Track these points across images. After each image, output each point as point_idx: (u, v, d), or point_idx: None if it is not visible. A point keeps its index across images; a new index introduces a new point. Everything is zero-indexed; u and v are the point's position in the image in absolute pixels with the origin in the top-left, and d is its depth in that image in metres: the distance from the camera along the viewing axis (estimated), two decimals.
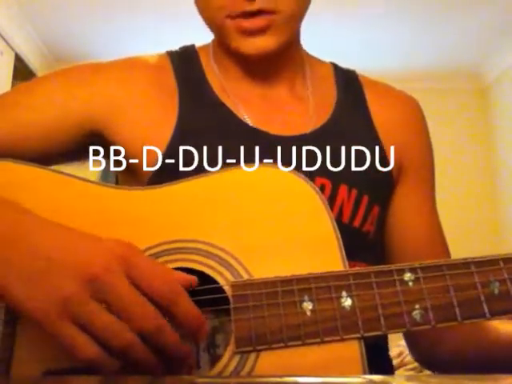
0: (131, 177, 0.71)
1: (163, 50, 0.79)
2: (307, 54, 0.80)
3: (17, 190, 0.55)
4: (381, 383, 0.43)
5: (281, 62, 0.74)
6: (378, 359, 0.65)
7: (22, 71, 3.54)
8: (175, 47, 0.79)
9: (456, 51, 3.63)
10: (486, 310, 0.48)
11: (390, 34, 3.44)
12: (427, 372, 0.79)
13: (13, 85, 3.38)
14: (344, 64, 0.83)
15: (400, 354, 2.61)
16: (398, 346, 2.57)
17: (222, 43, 0.74)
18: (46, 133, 0.68)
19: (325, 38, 3.31)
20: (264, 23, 0.66)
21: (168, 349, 0.45)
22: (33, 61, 3.64)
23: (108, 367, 0.44)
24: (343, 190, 0.67)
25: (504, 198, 3.72)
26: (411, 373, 2.36)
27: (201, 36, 0.82)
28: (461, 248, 1.03)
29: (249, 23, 0.65)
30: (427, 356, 0.77)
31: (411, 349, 0.78)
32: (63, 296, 0.43)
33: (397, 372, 2.29)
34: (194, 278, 0.48)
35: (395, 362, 2.51)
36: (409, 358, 2.46)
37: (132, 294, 0.44)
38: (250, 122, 0.70)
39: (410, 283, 0.50)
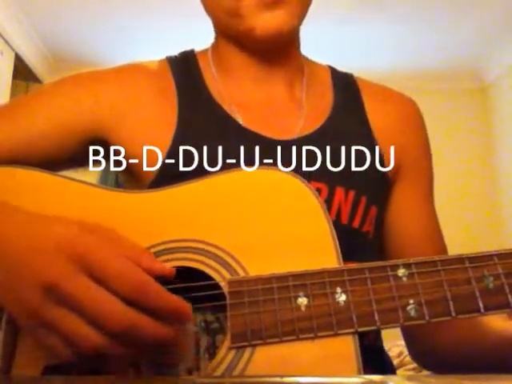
0: (132, 179, 0.72)
1: (163, 49, 0.79)
2: (305, 57, 0.81)
3: (23, 195, 0.58)
4: (381, 383, 0.43)
5: (282, 61, 0.75)
6: (375, 361, 0.66)
7: (21, 71, 3.54)
8: (176, 47, 0.80)
9: (456, 51, 3.63)
10: (481, 304, 0.48)
11: (389, 34, 3.44)
12: (427, 372, 0.79)
13: (13, 85, 3.39)
14: (344, 63, 0.83)
15: (400, 354, 2.61)
16: (398, 345, 2.57)
17: (228, 35, 0.74)
18: (53, 141, 0.69)
19: (325, 38, 3.32)
20: None
21: (148, 343, 0.44)
22: (33, 61, 3.65)
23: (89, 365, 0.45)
24: (340, 192, 0.67)
25: (504, 198, 3.73)
26: (411, 373, 2.36)
27: (202, 36, 0.83)
28: (460, 248, 1.02)
29: None
30: (425, 355, 0.77)
31: (409, 348, 0.79)
32: (27, 308, 0.45)
33: (397, 372, 2.29)
34: (169, 269, 0.48)
35: (395, 361, 2.51)
36: (409, 358, 2.45)
37: (92, 296, 0.43)
38: (244, 125, 0.71)
39: (404, 278, 0.50)
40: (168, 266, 0.49)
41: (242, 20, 0.68)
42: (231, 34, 0.73)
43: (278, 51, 0.74)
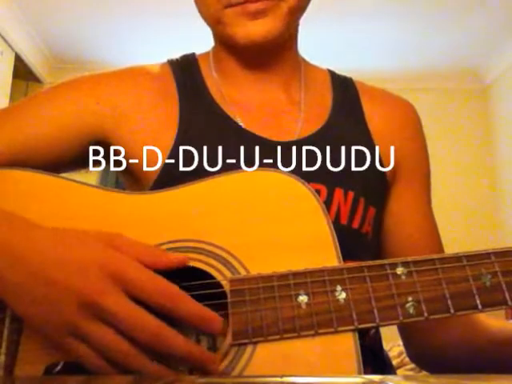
0: (133, 180, 0.72)
1: (163, 50, 0.80)
2: (304, 60, 0.81)
3: (25, 198, 0.59)
4: (380, 383, 0.44)
5: (278, 64, 0.76)
6: (375, 361, 0.66)
7: (22, 71, 3.55)
8: (175, 48, 0.80)
9: (456, 51, 3.63)
10: (478, 302, 0.49)
11: (389, 33, 3.45)
12: (426, 372, 0.80)
13: (13, 85, 3.39)
14: (344, 63, 0.84)
15: (400, 354, 2.62)
16: (398, 345, 2.58)
17: (219, 41, 0.76)
18: (55, 143, 0.70)
19: (325, 37, 3.32)
20: (269, 5, 0.67)
21: (174, 352, 0.47)
22: (33, 61, 3.65)
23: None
24: (339, 193, 0.68)
25: (504, 198, 3.73)
26: (411, 373, 2.37)
27: (202, 37, 0.83)
28: (460, 248, 1.03)
29: (255, 6, 0.66)
30: (423, 356, 0.77)
31: (407, 349, 0.79)
32: (65, 321, 0.48)
33: (397, 372, 2.30)
34: (182, 257, 0.53)
35: (395, 362, 2.51)
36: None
37: (127, 310, 0.47)
38: (245, 126, 0.71)
39: (403, 277, 0.51)
40: (177, 255, 0.53)
41: (224, 27, 0.69)
42: (219, 39, 0.75)
43: (271, 55, 0.74)
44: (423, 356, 0.77)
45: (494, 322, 0.70)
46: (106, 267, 0.48)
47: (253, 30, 0.67)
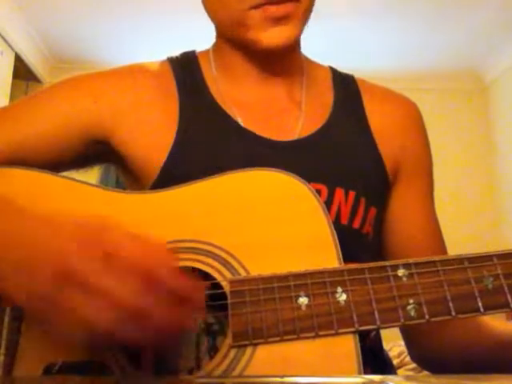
0: (133, 179, 0.72)
1: (163, 50, 0.79)
2: (305, 57, 0.81)
3: (24, 196, 0.58)
4: (380, 383, 0.44)
5: (283, 65, 0.75)
6: (376, 361, 0.66)
7: (21, 71, 3.55)
8: (175, 47, 0.80)
9: (456, 51, 3.63)
10: (480, 304, 0.49)
11: (390, 33, 3.45)
12: (427, 372, 0.79)
13: (13, 85, 3.39)
14: (344, 63, 0.83)
15: (400, 354, 2.62)
16: (398, 345, 2.58)
17: (230, 40, 0.74)
18: (53, 142, 0.69)
19: (325, 37, 3.32)
20: (291, 9, 0.66)
21: (155, 327, 0.43)
22: (33, 61, 3.65)
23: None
24: (339, 193, 0.67)
25: (504, 198, 3.73)
26: (411, 373, 2.37)
27: (203, 36, 0.83)
28: (460, 247, 1.03)
29: (276, 9, 0.66)
30: (426, 357, 0.77)
31: (410, 351, 0.79)
32: (41, 290, 0.44)
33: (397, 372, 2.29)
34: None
35: (395, 361, 2.51)
36: (409, 358, 2.45)
37: (107, 280, 0.43)
38: (245, 126, 0.71)
39: (404, 278, 0.50)
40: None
41: (247, 30, 0.68)
42: (236, 41, 0.73)
43: (281, 56, 0.74)
44: (426, 357, 0.77)
45: (498, 323, 0.70)
46: (86, 235, 0.45)
47: (277, 35, 0.67)
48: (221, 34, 0.76)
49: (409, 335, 0.77)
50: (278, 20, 0.66)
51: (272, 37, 0.67)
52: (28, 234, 0.48)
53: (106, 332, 0.42)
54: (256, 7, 0.66)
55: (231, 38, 0.73)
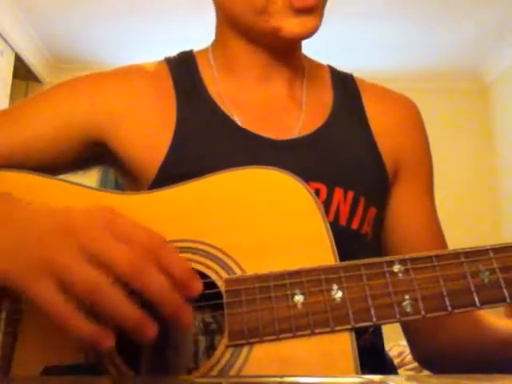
0: (131, 180, 0.72)
1: (163, 50, 0.79)
2: (305, 56, 0.80)
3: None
4: (380, 383, 0.43)
5: (285, 60, 0.75)
6: (376, 361, 0.66)
7: (21, 71, 3.56)
8: (175, 47, 0.80)
9: (456, 51, 3.63)
10: (476, 299, 0.48)
11: (389, 33, 3.45)
12: (427, 372, 0.79)
13: (13, 85, 3.39)
14: (344, 63, 0.83)
15: (400, 354, 2.62)
16: (398, 345, 2.58)
17: (239, 33, 0.73)
18: (53, 144, 0.69)
19: (325, 37, 3.32)
20: (315, 2, 0.66)
21: (109, 313, 0.41)
22: (33, 61, 3.66)
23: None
24: (338, 193, 0.67)
25: (504, 198, 3.73)
26: (411, 373, 2.36)
27: (202, 37, 0.82)
28: (460, 246, 1.03)
29: (300, 2, 0.66)
30: (429, 358, 0.77)
31: (412, 351, 0.78)
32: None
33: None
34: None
35: (395, 362, 2.51)
36: (409, 357, 2.46)
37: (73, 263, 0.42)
38: (243, 125, 0.70)
39: (400, 274, 0.50)
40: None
41: (269, 18, 0.67)
42: (251, 30, 0.71)
43: (286, 50, 0.73)
44: (427, 356, 0.76)
45: (500, 321, 0.69)
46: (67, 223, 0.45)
47: (298, 27, 0.67)
48: (229, 22, 0.74)
49: (410, 335, 0.76)
50: (302, 11, 0.66)
51: (294, 27, 0.67)
52: (25, 208, 0.48)
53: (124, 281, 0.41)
54: None
55: (244, 27, 0.72)
